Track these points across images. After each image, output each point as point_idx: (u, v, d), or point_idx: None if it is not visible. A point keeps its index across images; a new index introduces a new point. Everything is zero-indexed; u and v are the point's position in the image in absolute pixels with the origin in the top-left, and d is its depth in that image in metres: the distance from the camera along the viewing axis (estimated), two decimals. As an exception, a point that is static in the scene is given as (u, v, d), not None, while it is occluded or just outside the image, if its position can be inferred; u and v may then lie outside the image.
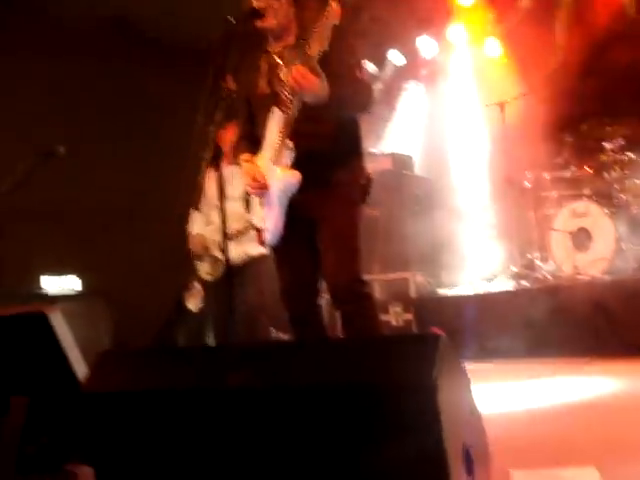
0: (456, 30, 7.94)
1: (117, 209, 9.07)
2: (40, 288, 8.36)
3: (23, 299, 7.98)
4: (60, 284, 8.57)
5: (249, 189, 3.34)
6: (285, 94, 3.10)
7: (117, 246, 8.82)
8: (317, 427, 1.64)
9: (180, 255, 8.50)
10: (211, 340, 8.94)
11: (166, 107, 9.69)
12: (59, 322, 2.11)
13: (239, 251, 5.37)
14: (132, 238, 8.90)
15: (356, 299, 3.20)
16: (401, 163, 7.51)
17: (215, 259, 5.68)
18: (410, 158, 7.79)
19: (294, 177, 3.13)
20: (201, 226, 5.76)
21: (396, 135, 7.94)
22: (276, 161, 3.17)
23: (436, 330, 1.60)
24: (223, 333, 6.03)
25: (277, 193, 3.19)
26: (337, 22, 2.95)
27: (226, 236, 3.12)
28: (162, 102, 9.72)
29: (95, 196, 9.01)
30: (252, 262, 5.50)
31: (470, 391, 1.89)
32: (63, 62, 8.92)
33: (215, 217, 5.54)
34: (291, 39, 3.28)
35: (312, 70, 2.94)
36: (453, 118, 8.08)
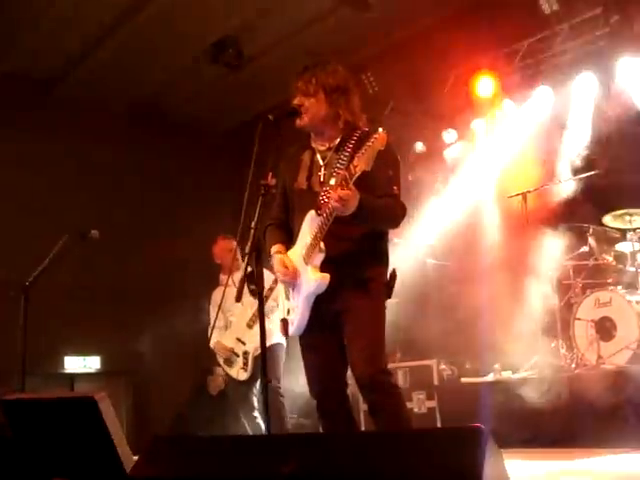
0: (478, 122, 8.14)
1: (141, 292, 9.20)
2: (63, 368, 8.46)
3: (46, 378, 8.07)
4: (82, 364, 8.66)
5: (279, 277, 3.45)
6: (323, 199, 3.22)
7: (140, 328, 8.91)
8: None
9: (203, 340, 8.59)
10: (231, 424, 8.94)
11: (193, 192, 9.93)
12: (107, 408, 2.17)
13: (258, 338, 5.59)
14: (155, 321, 9.00)
15: (382, 389, 3.25)
16: (422, 251, 7.60)
17: (244, 354, 5.82)
18: (432, 246, 7.88)
19: (324, 280, 3.24)
20: (216, 333, 6.01)
21: (418, 223, 8.04)
22: (308, 261, 3.28)
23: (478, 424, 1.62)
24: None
25: (306, 292, 3.30)
26: (382, 148, 3.05)
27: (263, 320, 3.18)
28: (189, 186, 9.97)
29: (119, 279, 9.16)
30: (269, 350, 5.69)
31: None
32: (93, 146, 9.22)
33: (230, 317, 5.84)
34: (335, 142, 3.42)
35: (350, 189, 3.03)
36: (475, 206, 8.20)
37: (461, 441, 1.67)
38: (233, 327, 6.01)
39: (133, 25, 8.09)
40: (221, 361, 6.08)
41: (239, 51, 8.70)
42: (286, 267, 3.38)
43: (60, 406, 2.24)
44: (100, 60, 8.70)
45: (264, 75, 9.03)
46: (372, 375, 3.24)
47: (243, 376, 5.88)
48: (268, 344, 5.55)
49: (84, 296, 8.85)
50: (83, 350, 8.78)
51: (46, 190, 8.78)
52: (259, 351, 5.64)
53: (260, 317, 3.07)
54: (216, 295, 6.36)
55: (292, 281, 3.39)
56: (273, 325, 5.58)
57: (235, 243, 6.18)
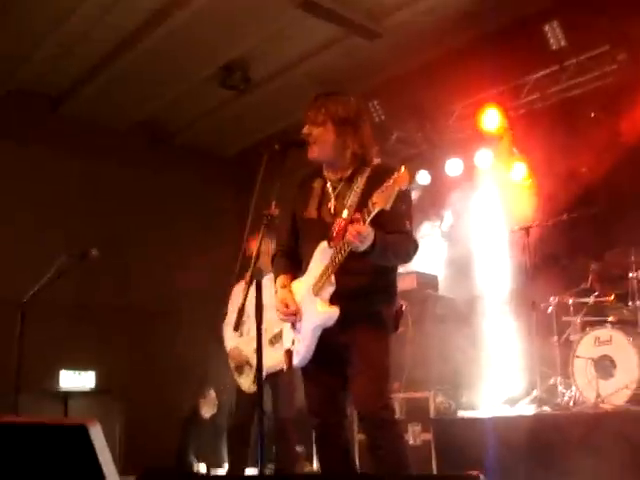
0: (483, 155, 8.13)
1: (140, 312, 9.17)
2: (58, 384, 8.40)
3: (40, 396, 8.01)
4: (77, 380, 8.59)
5: (279, 315, 3.42)
6: (335, 231, 3.19)
7: (136, 347, 8.87)
8: None
9: (197, 361, 8.56)
10: (223, 448, 8.87)
11: (195, 214, 9.92)
12: (98, 436, 2.12)
13: (278, 356, 5.35)
14: (152, 341, 8.96)
15: (384, 425, 3.24)
16: (425, 282, 7.55)
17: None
18: (435, 277, 7.84)
19: (335, 313, 3.22)
20: (235, 339, 5.76)
21: (421, 254, 8.01)
22: (317, 293, 3.25)
23: (473, 472, 1.59)
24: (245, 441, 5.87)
25: (314, 324, 3.27)
26: (404, 188, 3.04)
27: (260, 348, 3.12)
28: (191, 209, 9.96)
29: (119, 298, 9.13)
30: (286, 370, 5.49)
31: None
32: (96, 167, 9.24)
33: (251, 327, 5.57)
34: (347, 173, 3.41)
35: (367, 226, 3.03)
36: (478, 240, 8.18)
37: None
38: (252, 338, 5.75)
39: (143, 45, 8.10)
40: (232, 366, 5.88)
41: (246, 75, 8.73)
42: (287, 306, 3.35)
43: (50, 432, 2.20)
44: (108, 79, 8.72)
45: (270, 100, 9.06)
46: (375, 411, 3.23)
47: (253, 389, 5.65)
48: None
49: (82, 314, 8.82)
50: (78, 368, 8.71)
51: (48, 207, 8.78)
52: (271, 371, 5.51)
53: (258, 351, 3.01)
54: (237, 291, 5.88)
55: (291, 321, 3.37)
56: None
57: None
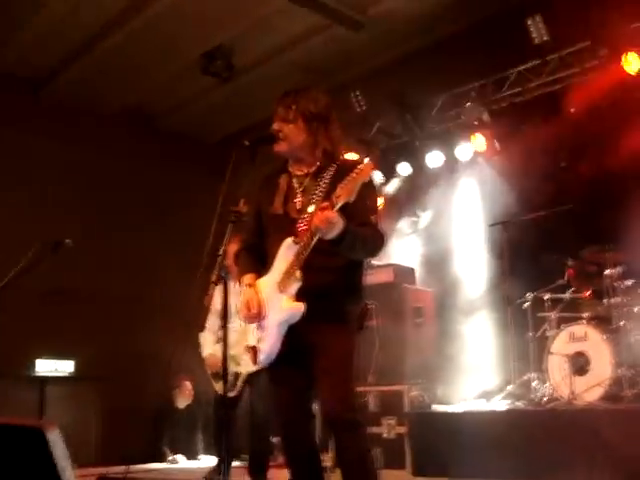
0: (464, 148, 8.11)
1: (118, 299, 9.11)
2: (34, 371, 8.34)
3: (16, 380, 7.98)
4: (54, 367, 8.53)
5: (241, 316, 3.40)
6: (301, 227, 3.16)
7: (116, 334, 8.83)
8: None
9: (173, 351, 8.49)
10: (199, 440, 8.82)
11: (176, 200, 9.85)
12: (56, 440, 2.08)
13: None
14: (130, 328, 8.92)
15: (349, 427, 3.22)
16: (402, 275, 7.51)
17: (235, 375, 5.61)
18: (412, 270, 7.82)
19: (299, 309, 3.17)
20: (211, 345, 5.71)
21: (398, 246, 8.01)
22: (283, 290, 3.21)
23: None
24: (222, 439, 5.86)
25: (278, 321, 3.23)
26: (367, 180, 3.01)
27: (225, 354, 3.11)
28: (171, 194, 9.89)
29: (97, 284, 9.06)
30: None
31: None
32: (76, 152, 9.14)
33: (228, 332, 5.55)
34: (313, 168, 3.37)
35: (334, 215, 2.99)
36: (456, 233, 8.19)
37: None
38: (230, 343, 5.70)
39: (126, 30, 8.05)
40: (209, 372, 5.86)
41: (229, 63, 8.67)
42: (249, 309, 3.32)
43: (3, 432, 2.15)
44: (90, 63, 8.66)
45: (253, 88, 9.01)
46: (341, 413, 3.20)
47: (230, 394, 5.64)
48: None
49: (59, 300, 8.76)
50: (56, 354, 8.67)
51: (26, 192, 8.69)
52: (251, 372, 5.51)
53: (224, 347, 2.99)
54: (217, 299, 5.66)
55: (254, 322, 3.34)
56: None
57: None
